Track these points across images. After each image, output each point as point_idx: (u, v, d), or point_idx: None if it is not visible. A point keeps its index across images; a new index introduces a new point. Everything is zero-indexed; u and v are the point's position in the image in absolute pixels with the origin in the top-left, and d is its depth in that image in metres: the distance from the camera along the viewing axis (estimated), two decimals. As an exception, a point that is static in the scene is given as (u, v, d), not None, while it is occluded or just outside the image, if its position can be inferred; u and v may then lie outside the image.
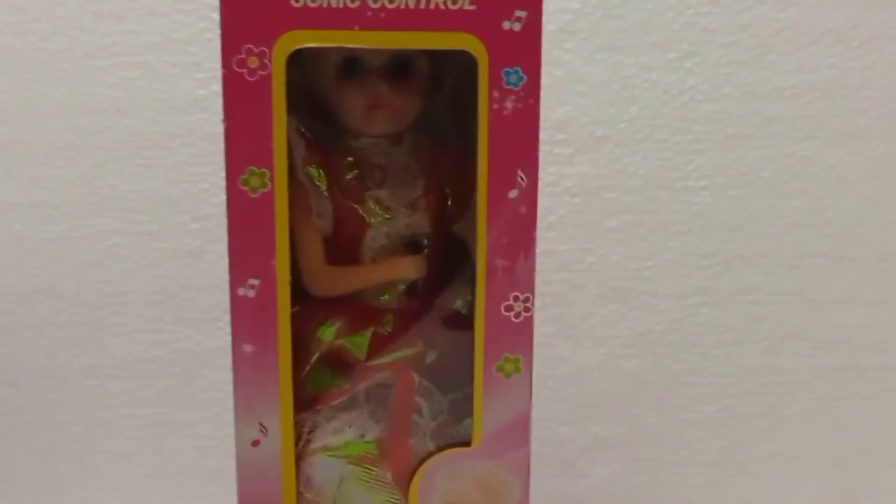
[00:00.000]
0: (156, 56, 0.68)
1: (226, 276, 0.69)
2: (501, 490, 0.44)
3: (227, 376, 0.71)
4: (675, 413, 0.71)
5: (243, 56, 0.39)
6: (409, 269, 0.44)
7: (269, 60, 0.39)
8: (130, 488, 0.70)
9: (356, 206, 0.44)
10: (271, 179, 0.40)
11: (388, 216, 0.44)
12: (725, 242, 0.70)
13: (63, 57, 0.68)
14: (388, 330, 0.45)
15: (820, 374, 0.71)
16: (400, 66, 0.43)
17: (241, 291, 0.41)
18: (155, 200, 0.69)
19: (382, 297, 0.45)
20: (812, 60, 0.69)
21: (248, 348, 0.42)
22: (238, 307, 0.41)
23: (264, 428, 0.42)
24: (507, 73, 0.40)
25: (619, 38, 0.68)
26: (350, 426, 0.45)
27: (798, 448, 0.72)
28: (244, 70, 0.39)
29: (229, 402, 0.71)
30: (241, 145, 0.40)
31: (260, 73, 0.39)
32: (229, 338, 0.70)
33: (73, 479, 0.70)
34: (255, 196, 0.40)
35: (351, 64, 0.42)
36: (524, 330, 0.43)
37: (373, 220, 0.44)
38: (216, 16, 0.68)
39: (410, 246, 0.45)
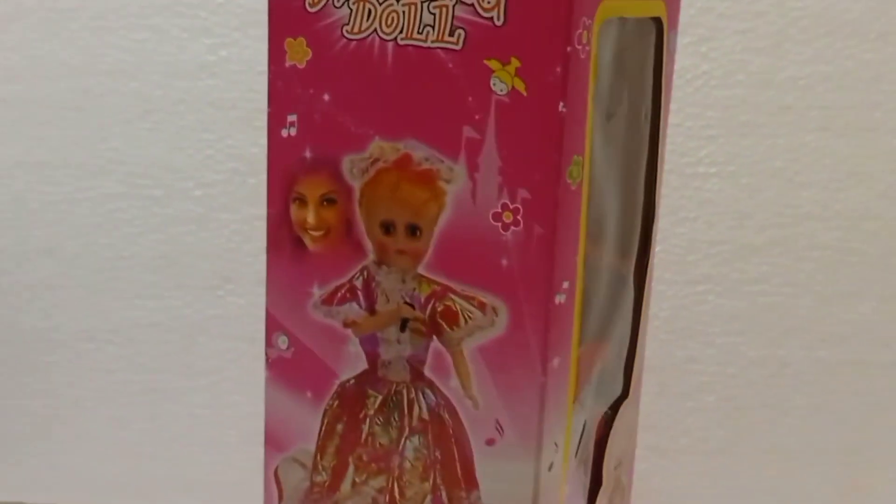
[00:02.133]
0: (165, 19, 0.68)
1: (228, 245, 0.69)
2: (634, 427, 0.44)
3: (225, 345, 0.71)
4: (676, 401, 0.71)
5: (581, 30, 0.33)
6: None
7: (592, 34, 0.34)
8: (123, 454, 0.69)
9: None
10: (583, 166, 0.35)
11: None
12: (734, 231, 0.70)
13: (71, 17, 0.67)
14: None
15: (825, 368, 0.71)
16: None
17: (558, 299, 0.35)
18: (159, 165, 0.69)
19: None
20: (828, 51, 0.68)
21: (556, 363, 0.36)
22: (555, 318, 0.35)
23: (556, 446, 0.37)
24: (671, 37, 0.39)
25: (634, 20, 0.67)
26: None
27: (800, 441, 0.71)
28: (580, 46, 0.33)
29: (227, 371, 0.72)
30: (573, 133, 0.34)
31: (588, 48, 0.34)
32: (229, 306, 0.70)
33: (65, 442, 0.70)
34: (574, 189, 0.35)
35: None
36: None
37: None
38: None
39: None
